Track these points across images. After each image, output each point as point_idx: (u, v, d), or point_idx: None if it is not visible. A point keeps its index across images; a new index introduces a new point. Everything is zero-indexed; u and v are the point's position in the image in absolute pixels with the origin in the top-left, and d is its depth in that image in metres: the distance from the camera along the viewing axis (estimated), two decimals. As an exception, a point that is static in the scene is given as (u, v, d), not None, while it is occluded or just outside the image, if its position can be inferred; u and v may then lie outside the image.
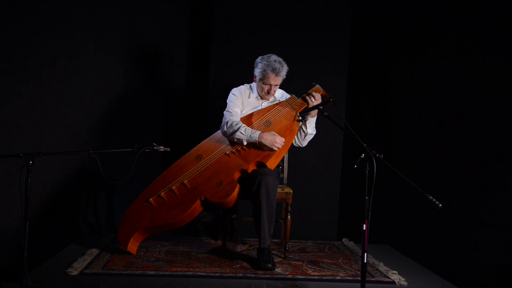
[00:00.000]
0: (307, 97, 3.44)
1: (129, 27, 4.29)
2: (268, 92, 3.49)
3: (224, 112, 3.49)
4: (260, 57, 3.47)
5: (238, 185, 3.21)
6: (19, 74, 3.81)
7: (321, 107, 3.20)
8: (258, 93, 3.57)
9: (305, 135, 3.51)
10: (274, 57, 3.42)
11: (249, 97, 3.59)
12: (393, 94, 4.41)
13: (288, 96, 3.63)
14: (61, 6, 3.95)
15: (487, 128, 3.75)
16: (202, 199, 3.22)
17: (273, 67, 3.38)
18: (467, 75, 3.88)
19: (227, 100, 3.55)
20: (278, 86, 3.53)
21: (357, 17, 4.37)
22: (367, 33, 4.47)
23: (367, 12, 4.45)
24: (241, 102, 3.55)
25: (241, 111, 3.53)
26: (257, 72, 3.48)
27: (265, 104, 3.60)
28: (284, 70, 3.43)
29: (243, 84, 3.64)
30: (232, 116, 3.43)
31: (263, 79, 3.44)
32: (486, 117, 3.76)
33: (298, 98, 3.50)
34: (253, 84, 3.61)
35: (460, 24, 3.94)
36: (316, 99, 3.42)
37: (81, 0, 4.07)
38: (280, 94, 3.66)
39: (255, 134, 3.31)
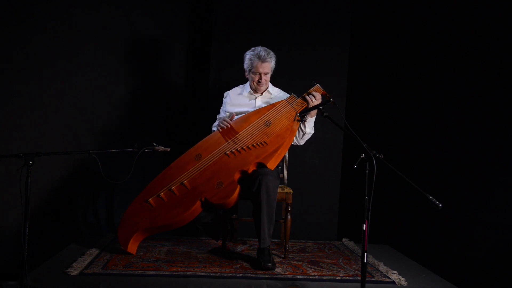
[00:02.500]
0: (307, 97, 3.44)
1: (129, 27, 4.29)
2: (259, 82, 3.52)
3: None
4: (247, 51, 3.54)
5: (238, 186, 3.21)
6: (19, 74, 3.82)
7: (321, 107, 3.19)
8: (251, 88, 3.61)
9: (304, 134, 3.52)
10: (260, 47, 3.51)
11: (240, 94, 3.64)
12: (393, 94, 4.41)
13: (285, 94, 3.64)
14: (61, 6, 3.96)
15: (487, 128, 3.75)
16: (203, 199, 3.22)
17: (259, 55, 3.46)
18: (467, 75, 3.88)
19: None
20: (269, 75, 3.55)
21: (357, 17, 4.37)
22: (367, 33, 4.47)
23: (367, 12, 4.45)
24: (230, 103, 3.62)
25: (234, 111, 3.58)
26: (245, 65, 3.55)
27: (259, 99, 3.61)
28: (270, 57, 3.50)
29: (241, 85, 3.69)
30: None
31: (252, 68, 3.51)
32: (486, 117, 3.77)
33: (298, 97, 3.49)
34: (247, 84, 3.65)
35: (460, 24, 3.94)
36: (316, 99, 3.42)
37: (81, 0, 4.07)
38: (277, 92, 3.67)
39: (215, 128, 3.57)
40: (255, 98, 3.62)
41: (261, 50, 3.48)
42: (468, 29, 3.88)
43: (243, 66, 3.57)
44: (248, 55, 3.52)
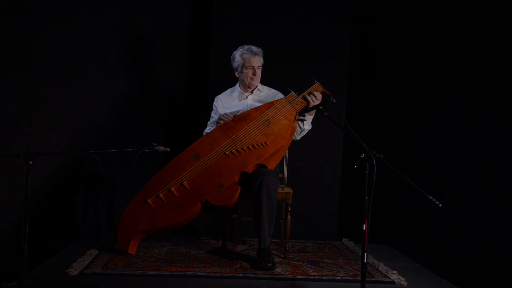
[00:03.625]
0: (308, 97, 3.42)
1: (129, 27, 4.29)
2: (254, 75, 3.56)
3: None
4: (234, 52, 3.60)
5: (239, 188, 3.20)
6: (19, 74, 3.81)
7: (321, 107, 3.19)
8: (242, 87, 3.64)
9: (301, 131, 3.53)
10: (246, 45, 3.58)
11: (230, 95, 3.68)
12: (393, 94, 4.41)
13: (275, 92, 3.67)
14: (61, 6, 3.96)
15: (488, 127, 3.75)
16: (203, 201, 3.21)
17: (251, 49, 3.55)
18: (468, 75, 3.87)
19: None
20: (261, 70, 3.59)
21: (358, 16, 4.37)
22: (368, 32, 4.46)
23: (368, 11, 4.45)
24: (222, 106, 3.64)
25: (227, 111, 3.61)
26: (236, 62, 3.59)
27: (250, 98, 3.63)
28: (261, 51, 3.58)
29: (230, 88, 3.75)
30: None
31: (245, 63, 3.55)
32: (486, 117, 3.76)
33: (298, 95, 3.47)
34: (236, 85, 3.69)
35: (461, 23, 3.94)
36: (317, 98, 3.42)
37: (82, 0, 4.08)
38: (267, 90, 3.70)
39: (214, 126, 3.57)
40: (246, 98, 3.63)
41: (251, 46, 3.56)
42: (469, 28, 3.87)
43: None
44: (238, 52, 3.57)
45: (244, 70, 3.56)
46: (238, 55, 3.57)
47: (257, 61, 3.55)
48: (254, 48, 3.55)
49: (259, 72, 3.58)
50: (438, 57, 4.08)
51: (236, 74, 3.62)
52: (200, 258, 3.37)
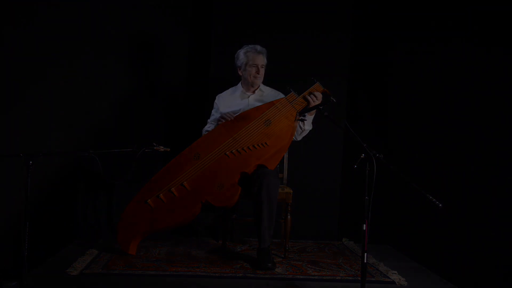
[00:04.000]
0: (309, 97, 3.42)
1: (129, 27, 4.29)
2: (257, 73, 3.58)
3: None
4: (238, 50, 3.63)
5: (239, 188, 3.20)
6: (19, 74, 3.81)
7: (321, 107, 3.18)
8: (245, 86, 3.65)
9: (302, 131, 3.54)
10: (251, 44, 3.62)
11: (232, 94, 3.69)
12: (393, 94, 4.41)
13: (277, 92, 3.67)
14: (61, 6, 3.96)
15: (488, 127, 3.74)
16: (203, 201, 3.21)
17: (255, 48, 3.58)
18: (468, 74, 3.87)
19: None
20: (264, 69, 3.60)
21: (358, 16, 4.37)
22: (368, 32, 4.46)
23: (368, 11, 4.45)
24: (223, 105, 3.64)
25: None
26: (240, 60, 3.60)
27: (251, 97, 3.64)
28: (265, 51, 3.61)
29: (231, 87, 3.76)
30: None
31: (249, 61, 3.56)
32: (487, 117, 3.76)
33: (298, 95, 3.46)
34: (238, 85, 3.69)
35: (462, 23, 3.93)
36: (318, 99, 3.42)
37: (81, 0, 4.08)
38: (269, 90, 3.71)
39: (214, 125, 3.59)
40: (248, 97, 3.64)
41: (255, 45, 3.59)
42: (470, 28, 3.87)
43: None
44: (243, 50, 3.60)
45: (248, 68, 3.57)
46: (242, 53, 3.58)
47: (261, 60, 3.57)
48: (258, 47, 3.58)
49: (262, 71, 3.59)
50: (438, 57, 4.08)
51: (239, 72, 3.63)
52: (200, 258, 3.37)
